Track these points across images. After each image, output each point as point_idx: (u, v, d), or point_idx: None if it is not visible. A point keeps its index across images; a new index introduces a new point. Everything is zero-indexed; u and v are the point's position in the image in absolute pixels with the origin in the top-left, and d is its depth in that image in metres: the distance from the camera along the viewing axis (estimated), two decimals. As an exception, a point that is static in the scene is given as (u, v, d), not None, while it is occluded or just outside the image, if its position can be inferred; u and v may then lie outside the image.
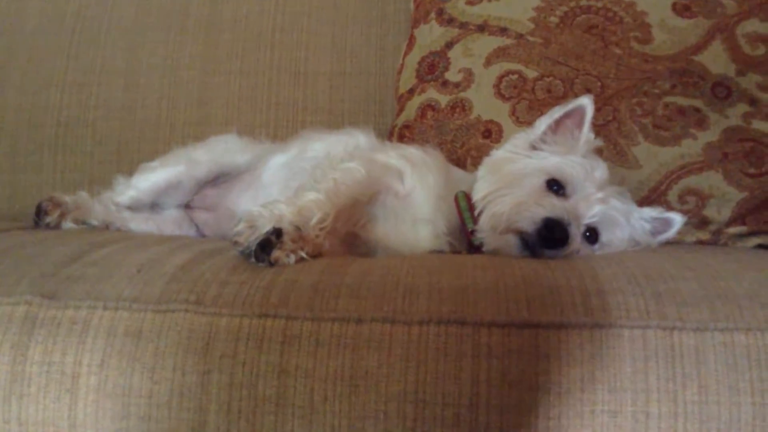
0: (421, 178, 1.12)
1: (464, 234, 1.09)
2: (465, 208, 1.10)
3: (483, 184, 1.10)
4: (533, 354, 0.70)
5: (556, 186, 1.06)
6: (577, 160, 1.07)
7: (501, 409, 0.68)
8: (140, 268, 0.83)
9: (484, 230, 1.04)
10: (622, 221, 1.06)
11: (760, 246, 1.18)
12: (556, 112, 1.12)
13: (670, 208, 1.17)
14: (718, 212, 1.19)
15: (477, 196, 1.09)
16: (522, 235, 0.98)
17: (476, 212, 1.07)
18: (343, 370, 0.70)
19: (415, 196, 1.12)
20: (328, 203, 1.00)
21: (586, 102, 1.10)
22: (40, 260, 0.86)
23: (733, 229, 1.19)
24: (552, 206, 0.99)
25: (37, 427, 0.72)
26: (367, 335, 0.71)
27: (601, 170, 1.08)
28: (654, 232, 1.11)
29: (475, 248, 1.07)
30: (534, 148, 1.13)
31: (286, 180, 1.27)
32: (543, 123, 1.13)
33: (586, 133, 1.11)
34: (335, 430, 0.69)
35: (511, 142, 1.17)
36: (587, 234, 1.04)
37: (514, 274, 0.79)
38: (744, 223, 1.18)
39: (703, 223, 1.20)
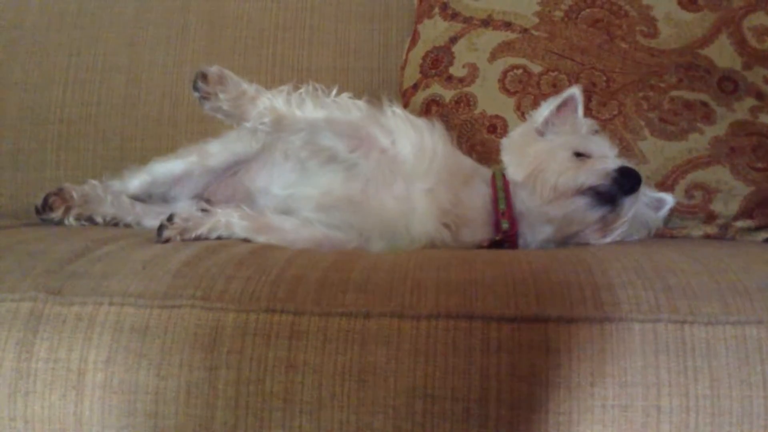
0: (419, 141, 1.14)
1: (492, 215, 1.12)
2: (501, 187, 1.13)
3: (518, 167, 1.14)
4: (543, 348, 0.69)
5: (581, 157, 1.11)
6: (589, 136, 1.17)
7: (511, 403, 0.67)
8: (145, 264, 0.82)
9: (547, 202, 1.07)
10: None
11: (768, 240, 1.18)
12: (552, 103, 1.20)
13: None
14: (726, 206, 1.18)
15: (519, 176, 1.12)
16: (595, 190, 1.03)
17: (528, 192, 1.10)
18: (351, 366, 0.69)
19: (405, 154, 1.13)
20: (285, 108, 1.10)
21: (576, 91, 1.20)
22: (44, 257, 0.85)
23: (741, 223, 1.18)
24: (611, 161, 1.08)
25: (43, 424, 0.72)
26: (375, 330, 0.71)
27: (606, 140, 1.18)
28: (651, 208, 1.16)
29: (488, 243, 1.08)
30: (542, 134, 1.19)
31: (298, 154, 1.24)
32: (541, 114, 1.20)
33: (581, 117, 1.19)
34: (343, 425, 0.68)
35: (518, 131, 1.23)
36: None
37: (522, 268, 0.78)
38: (751, 218, 1.18)
39: (710, 217, 1.19)
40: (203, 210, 1.05)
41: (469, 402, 0.67)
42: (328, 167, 1.16)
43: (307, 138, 1.16)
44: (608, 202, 1.04)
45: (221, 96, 1.07)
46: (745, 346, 0.69)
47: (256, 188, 1.25)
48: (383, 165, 1.12)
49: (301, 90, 1.13)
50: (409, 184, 1.11)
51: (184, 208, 1.26)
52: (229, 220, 1.02)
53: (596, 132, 1.21)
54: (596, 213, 1.04)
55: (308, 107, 1.11)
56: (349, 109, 1.13)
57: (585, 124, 1.20)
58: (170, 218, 1.00)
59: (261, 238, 1.02)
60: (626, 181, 1.03)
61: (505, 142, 1.23)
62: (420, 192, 1.10)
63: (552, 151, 1.13)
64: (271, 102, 1.10)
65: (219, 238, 1.01)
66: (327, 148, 1.16)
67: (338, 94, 1.15)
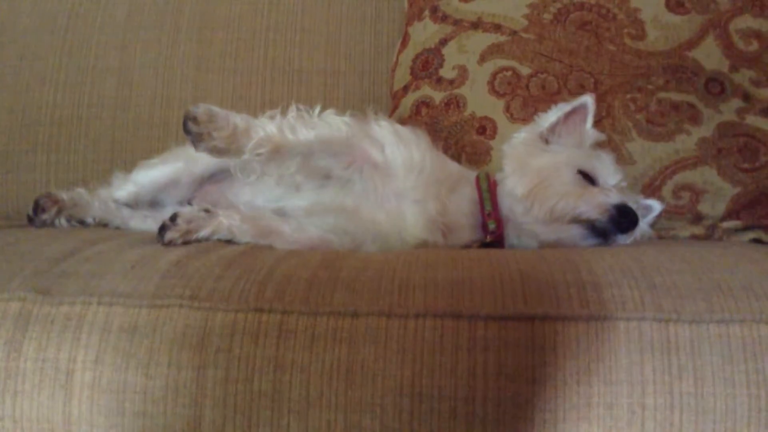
0: (408, 154, 1.13)
1: (479, 218, 1.12)
2: (486, 189, 1.13)
3: (520, 180, 1.13)
4: (529, 347, 0.69)
5: (585, 176, 1.11)
6: (596, 153, 1.16)
7: (497, 402, 0.68)
8: (134, 264, 0.82)
9: (541, 223, 1.08)
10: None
11: (755, 240, 1.18)
12: (561, 110, 1.18)
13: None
14: (713, 207, 1.19)
15: (519, 191, 1.11)
16: (592, 224, 1.04)
17: (524, 208, 1.10)
18: (339, 365, 0.70)
19: (396, 168, 1.13)
20: (279, 136, 1.07)
21: (589, 100, 1.19)
22: (34, 257, 0.85)
23: (728, 224, 1.19)
24: (613, 195, 1.06)
25: (32, 423, 0.72)
26: (363, 329, 0.71)
27: (612, 161, 1.16)
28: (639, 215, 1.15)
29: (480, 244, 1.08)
30: (547, 141, 1.18)
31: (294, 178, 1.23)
32: (548, 119, 1.19)
33: (590, 128, 1.18)
34: (331, 424, 0.69)
35: (522, 136, 1.21)
36: None
37: (510, 267, 0.78)
38: (738, 218, 1.19)
39: (697, 218, 1.20)
40: (206, 210, 1.01)
41: (455, 400, 0.68)
42: (321, 183, 1.16)
43: (302, 162, 1.14)
44: (601, 236, 1.04)
45: (215, 134, 1.03)
46: (728, 344, 0.69)
47: (240, 203, 1.23)
48: (375, 179, 1.13)
49: (289, 116, 1.10)
50: (400, 198, 1.12)
51: (187, 208, 1.26)
52: (231, 224, 1.00)
53: (602, 144, 1.20)
54: (587, 243, 1.05)
55: (301, 131, 1.09)
56: (339, 126, 1.12)
57: (592, 136, 1.19)
58: (173, 218, 0.96)
59: (261, 242, 1.00)
60: (623, 221, 1.03)
61: (507, 150, 1.21)
62: (409, 204, 1.12)
63: (556, 168, 1.13)
64: (265, 131, 1.07)
65: (219, 240, 0.99)
66: (322, 168, 1.15)
67: (328, 98, 1.15)
